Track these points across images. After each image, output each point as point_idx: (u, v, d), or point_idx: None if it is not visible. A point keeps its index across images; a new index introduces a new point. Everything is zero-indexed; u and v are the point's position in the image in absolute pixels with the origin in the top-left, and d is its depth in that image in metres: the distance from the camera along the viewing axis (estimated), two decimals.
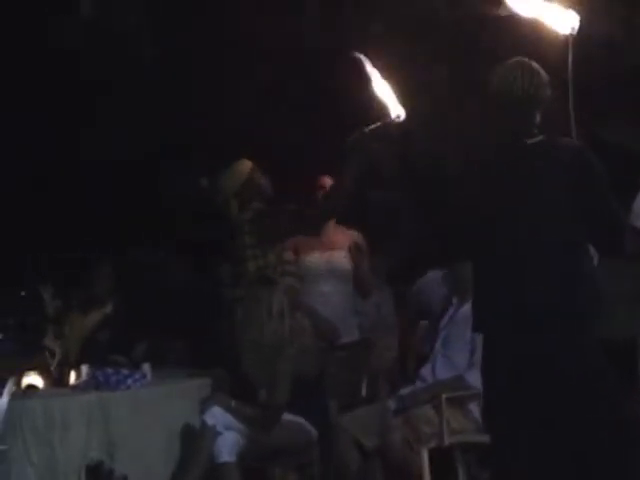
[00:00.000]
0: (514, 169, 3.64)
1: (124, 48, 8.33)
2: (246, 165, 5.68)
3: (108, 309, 6.68)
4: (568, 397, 3.49)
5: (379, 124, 4.70)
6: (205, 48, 8.09)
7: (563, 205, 3.55)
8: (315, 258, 5.97)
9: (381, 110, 4.49)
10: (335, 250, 6.05)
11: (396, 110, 4.49)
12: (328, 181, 5.93)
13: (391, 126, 4.63)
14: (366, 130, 4.83)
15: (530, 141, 3.62)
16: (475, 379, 4.55)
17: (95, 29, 8.28)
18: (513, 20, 3.95)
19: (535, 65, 3.65)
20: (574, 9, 3.76)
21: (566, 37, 3.73)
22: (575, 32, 3.72)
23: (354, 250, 5.96)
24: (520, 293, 3.53)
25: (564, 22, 3.74)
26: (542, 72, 3.64)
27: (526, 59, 3.65)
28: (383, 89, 4.41)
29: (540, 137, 3.63)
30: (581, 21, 3.75)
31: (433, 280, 6.50)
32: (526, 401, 3.54)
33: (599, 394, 3.51)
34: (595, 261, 3.73)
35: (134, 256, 7.67)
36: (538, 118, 3.64)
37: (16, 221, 8.40)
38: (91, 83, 8.32)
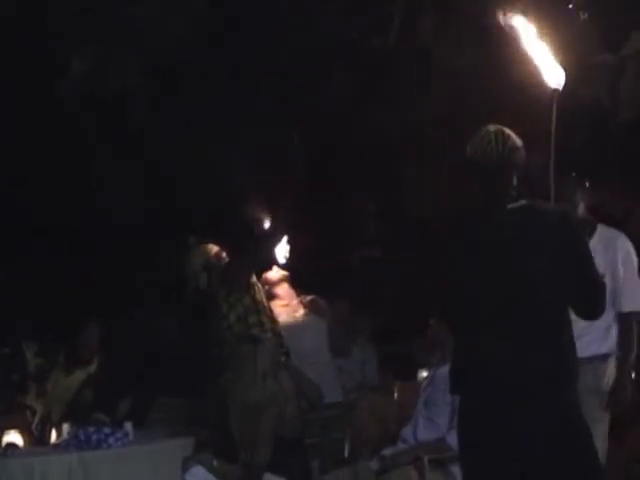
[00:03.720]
0: (497, 233, 3.67)
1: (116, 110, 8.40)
2: (210, 247, 6.03)
3: (92, 368, 6.67)
4: (547, 457, 3.50)
5: None
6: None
7: (546, 269, 3.57)
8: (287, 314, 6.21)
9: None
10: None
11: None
12: None
13: None
14: None
15: (511, 206, 3.66)
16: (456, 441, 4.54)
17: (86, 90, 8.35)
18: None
19: (507, 130, 3.71)
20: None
21: (552, 92, 3.80)
22: (560, 89, 3.79)
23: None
24: (503, 356, 3.54)
25: (553, 76, 3.81)
26: (514, 136, 3.72)
27: (499, 126, 3.72)
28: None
29: (522, 202, 3.67)
30: (566, 85, 3.83)
31: None
32: (506, 461, 3.54)
33: (580, 454, 3.53)
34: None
35: (126, 314, 7.66)
36: (516, 182, 3.69)
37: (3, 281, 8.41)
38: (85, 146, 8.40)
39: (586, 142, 6.63)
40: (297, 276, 6.63)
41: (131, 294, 8.41)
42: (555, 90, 3.81)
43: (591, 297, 3.66)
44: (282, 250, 6.49)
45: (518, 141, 3.71)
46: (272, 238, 6.40)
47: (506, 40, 4.03)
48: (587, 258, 3.63)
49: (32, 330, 7.27)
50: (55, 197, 8.44)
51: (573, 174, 4.85)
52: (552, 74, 3.82)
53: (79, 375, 6.65)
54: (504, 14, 3.88)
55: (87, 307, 7.74)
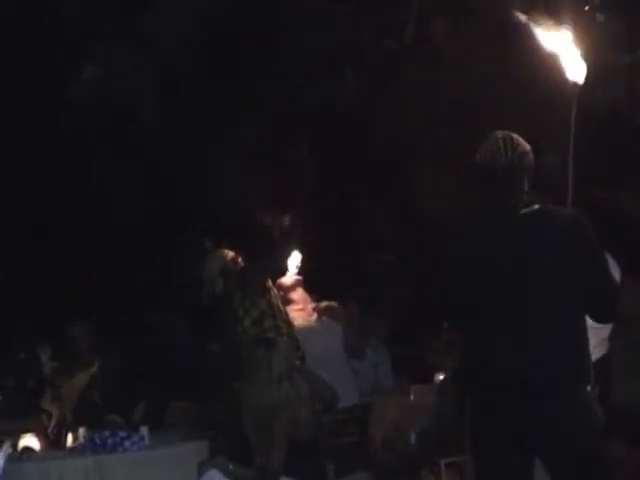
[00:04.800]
0: (509, 238, 3.66)
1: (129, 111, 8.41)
2: (227, 252, 5.98)
3: (94, 369, 6.67)
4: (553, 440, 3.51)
5: None
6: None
7: (559, 272, 3.56)
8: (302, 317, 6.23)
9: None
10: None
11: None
12: None
13: None
14: None
15: (524, 211, 3.66)
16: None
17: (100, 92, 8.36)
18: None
19: (515, 136, 3.72)
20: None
21: (572, 86, 3.80)
22: (581, 83, 3.79)
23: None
24: (519, 357, 3.53)
25: (573, 69, 3.81)
26: (522, 142, 3.73)
27: (506, 132, 3.73)
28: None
29: (534, 206, 3.66)
30: (583, 86, 3.83)
31: None
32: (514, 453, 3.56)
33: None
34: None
35: (142, 317, 7.67)
36: (527, 186, 3.70)
37: (16, 282, 8.42)
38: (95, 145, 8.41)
39: (602, 145, 6.62)
40: (311, 280, 6.64)
41: (143, 297, 8.41)
42: (575, 84, 3.81)
43: (605, 301, 3.66)
44: (294, 258, 6.52)
45: (527, 146, 3.72)
46: (287, 242, 6.40)
47: (522, 39, 4.02)
48: (600, 261, 3.62)
49: (44, 333, 7.27)
50: (55, 197, 8.45)
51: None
52: (572, 67, 3.82)
53: (82, 377, 6.65)
54: (521, 12, 3.88)
55: (89, 309, 7.74)
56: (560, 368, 3.52)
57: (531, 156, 3.72)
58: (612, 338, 4.97)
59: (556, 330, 3.54)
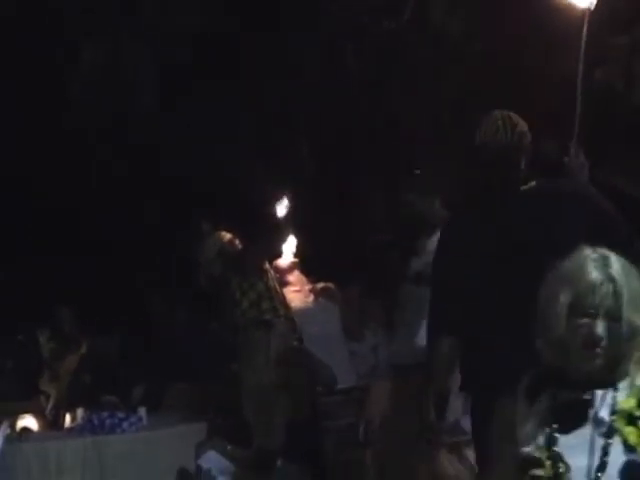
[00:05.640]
0: (509, 216, 3.64)
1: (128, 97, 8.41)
2: (224, 234, 6.00)
3: (83, 350, 6.68)
4: None
5: None
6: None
7: (562, 252, 3.52)
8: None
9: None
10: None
11: None
12: None
13: None
14: None
15: (523, 188, 3.64)
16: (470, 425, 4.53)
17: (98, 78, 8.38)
18: None
19: (514, 115, 3.69)
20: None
21: (583, 11, 3.78)
22: (593, 7, 3.76)
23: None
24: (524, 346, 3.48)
25: None
26: (522, 121, 3.71)
27: (505, 111, 3.72)
28: None
29: (532, 184, 3.65)
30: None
31: None
32: None
33: None
34: None
35: (141, 301, 7.68)
36: (523, 165, 3.68)
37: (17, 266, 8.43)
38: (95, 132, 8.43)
39: (598, 123, 6.60)
40: (309, 263, 6.64)
41: (143, 280, 8.42)
42: (587, 9, 3.78)
43: None
44: (290, 242, 6.52)
45: (525, 125, 3.70)
46: (284, 225, 6.40)
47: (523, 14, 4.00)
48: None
49: (42, 316, 7.28)
50: (58, 177, 8.47)
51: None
52: None
53: (72, 359, 6.66)
54: None
55: (84, 292, 7.76)
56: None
57: (529, 136, 3.71)
58: None
59: None
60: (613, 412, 2.22)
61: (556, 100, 4.00)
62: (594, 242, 3.35)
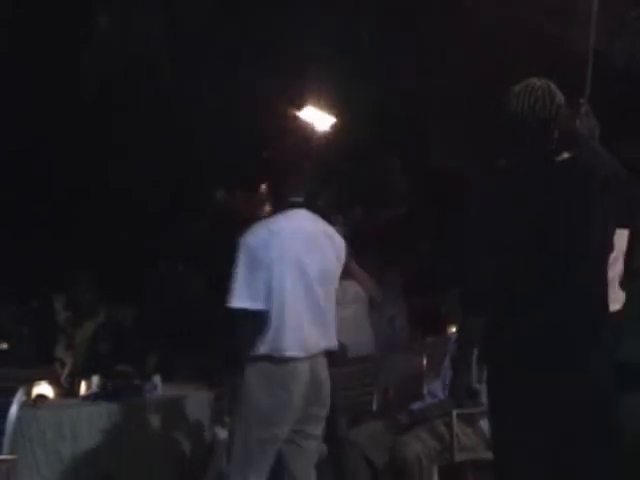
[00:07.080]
0: (546, 188, 3.55)
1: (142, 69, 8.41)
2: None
3: (101, 318, 6.67)
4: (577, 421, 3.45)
5: None
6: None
7: (597, 225, 3.48)
8: None
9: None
10: None
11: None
12: None
13: None
14: None
15: (559, 158, 3.56)
16: (485, 395, 4.52)
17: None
18: None
19: (553, 86, 3.57)
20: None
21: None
22: None
23: None
24: (550, 318, 3.44)
25: None
26: (558, 91, 3.59)
27: (544, 80, 3.60)
28: None
29: (566, 155, 3.56)
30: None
31: None
32: (538, 425, 3.50)
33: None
34: None
35: (155, 268, 7.66)
36: (557, 135, 3.58)
37: (33, 235, 8.45)
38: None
39: (619, 98, 6.53)
40: None
41: (156, 249, 8.43)
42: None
43: None
44: None
45: (562, 96, 3.58)
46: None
47: None
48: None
49: (58, 282, 7.27)
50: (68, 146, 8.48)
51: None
52: None
53: (89, 327, 6.64)
54: None
55: (97, 259, 7.75)
56: (579, 333, 3.45)
57: (565, 108, 3.60)
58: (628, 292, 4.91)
59: (577, 288, 3.47)
60: None
61: (573, 72, 3.92)
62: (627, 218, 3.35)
